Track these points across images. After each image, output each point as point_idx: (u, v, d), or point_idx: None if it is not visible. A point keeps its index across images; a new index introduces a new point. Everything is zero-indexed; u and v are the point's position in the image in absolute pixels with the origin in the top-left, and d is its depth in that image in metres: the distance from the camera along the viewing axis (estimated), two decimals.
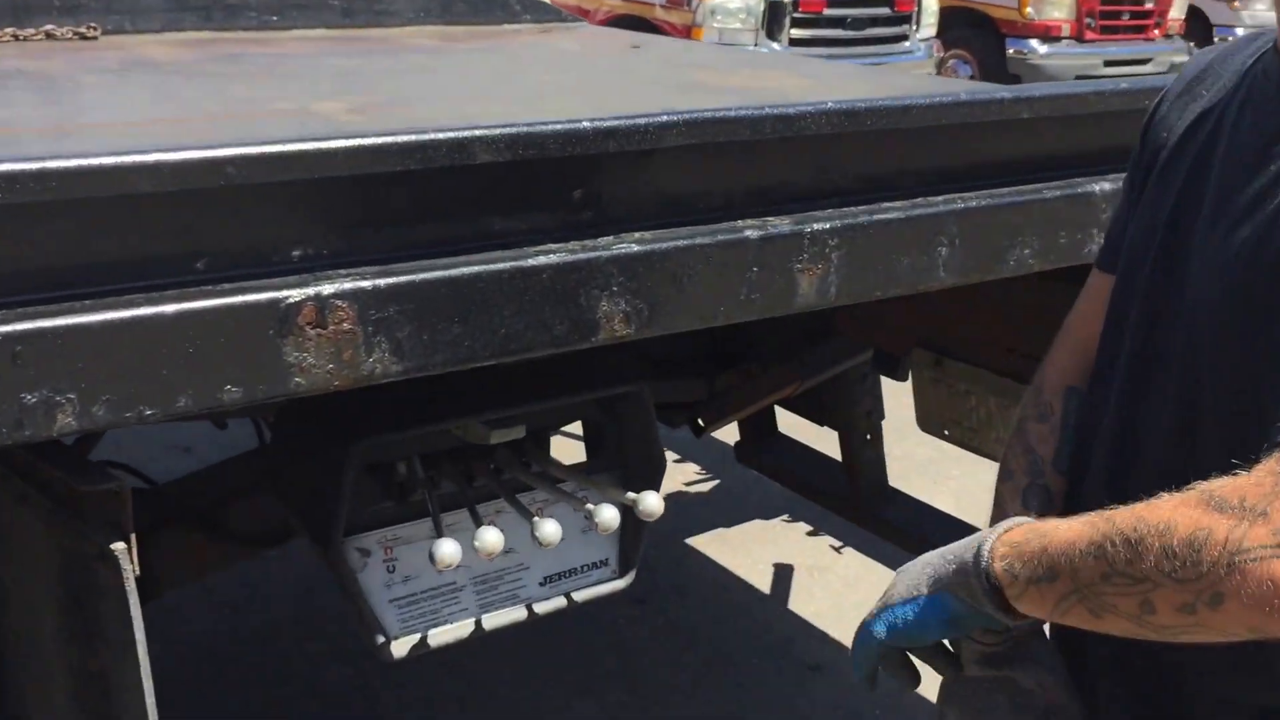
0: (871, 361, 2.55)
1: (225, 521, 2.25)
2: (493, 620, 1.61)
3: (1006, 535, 1.01)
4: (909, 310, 1.99)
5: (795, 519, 3.99)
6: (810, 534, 3.88)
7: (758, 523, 3.93)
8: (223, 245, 1.16)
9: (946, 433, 2.30)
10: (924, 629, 1.08)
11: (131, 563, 1.21)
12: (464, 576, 1.57)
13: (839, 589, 3.50)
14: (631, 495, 1.52)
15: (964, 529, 2.74)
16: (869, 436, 2.78)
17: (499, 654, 2.89)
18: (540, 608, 1.65)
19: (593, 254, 1.31)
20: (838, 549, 3.77)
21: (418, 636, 1.55)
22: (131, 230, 1.12)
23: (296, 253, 1.20)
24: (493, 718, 2.86)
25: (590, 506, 1.50)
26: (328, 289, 1.16)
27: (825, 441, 3.09)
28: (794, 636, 3.23)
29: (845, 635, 3.36)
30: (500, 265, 1.26)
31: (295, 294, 1.15)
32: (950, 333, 2.21)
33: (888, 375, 2.62)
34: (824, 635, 3.24)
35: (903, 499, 2.86)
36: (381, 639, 1.52)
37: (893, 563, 3.70)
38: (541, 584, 1.65)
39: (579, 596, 1.67)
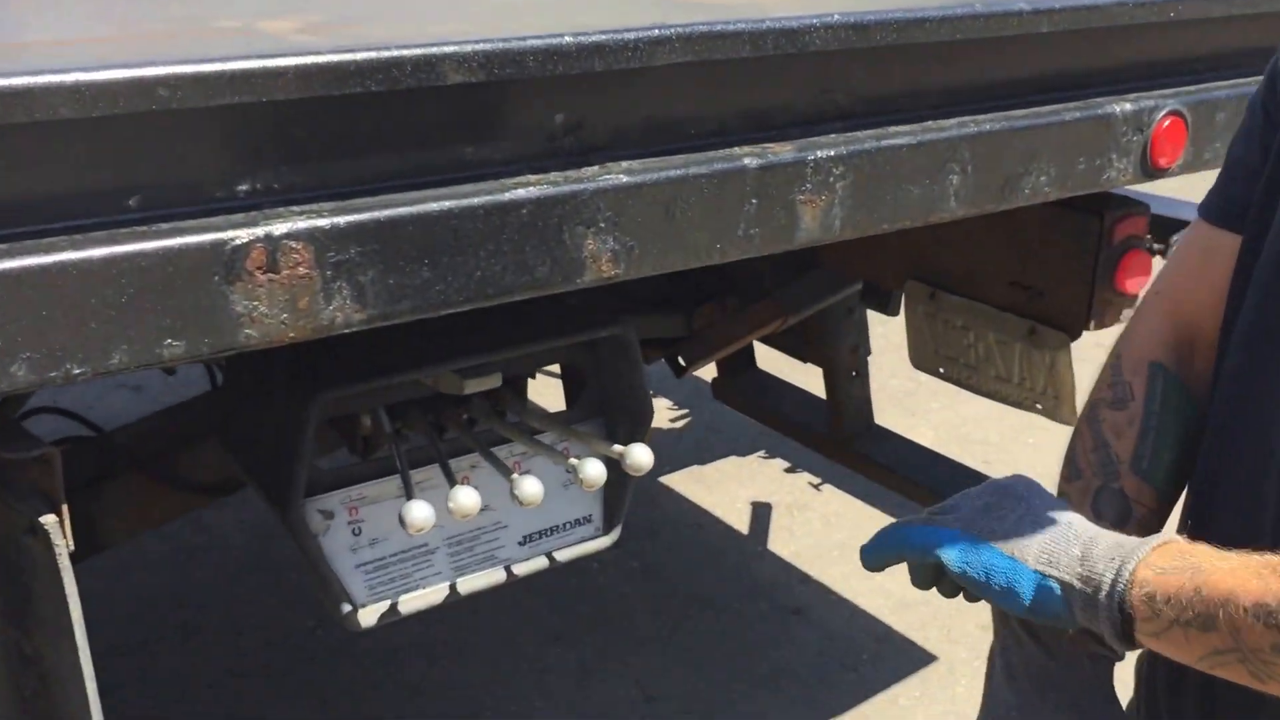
0: (860, 295, 2.45)
1: (177, 469, 2.15)
2: (468, 584, 1.51)
3: (1153, 557, 0.86)
4: (902, 240, 1.88)
5: (772, 455, 3.91)
6: (788, 470, 3.80)
7: (733, 459, 3.85)
8: (158, 180, 1.04)
9: (941, 370, 2.20)
10: (1005, 598, 0.90)
11: (65, 537, 1.09)
12: (437, 538, 1.46)
13: (819, 528, 3.43)
14: (618, 448, 1.41)
15: (954, 470, 2.67)
16: (855, 373, 2.69)
17: (468, 603, 2.79)
18: (519, 569, 1.54)
19: (577, 186, 1.20)
20: (816, 486, 3.69)
21: (387, 604, 1.44)
22: (52, 163, 0.99)
23: (243, 187, 1.08)
24: (463, 669, 2.77)
25: (573, 461, 1.39)
26: (279, 228, 1.04)
27: (802, 375, 3.00)
28: (775, 579, 3.16)
29: (828, 576, 3.31)
30: (474, 200, 1.15)
31: (242, 234, 1.03)
32: (947, 264, 2.11)
33: (878, 310, 2.52)
34: (805, 577, 3.17)
35: (889, 437, 2.77)
36: (348, 607, 1.41)
37: (874, 499, 3.66)
38: (520, 543, 1.55)
39: (561, 556, 1.57)
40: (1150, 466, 1.04)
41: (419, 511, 1.27)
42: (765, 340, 2.67)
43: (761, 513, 3.53)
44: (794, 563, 3.25)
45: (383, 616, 1.43)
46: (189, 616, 3.00)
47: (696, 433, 3.95)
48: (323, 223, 1.06)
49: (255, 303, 1.05)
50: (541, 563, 1.56)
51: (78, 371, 0.98)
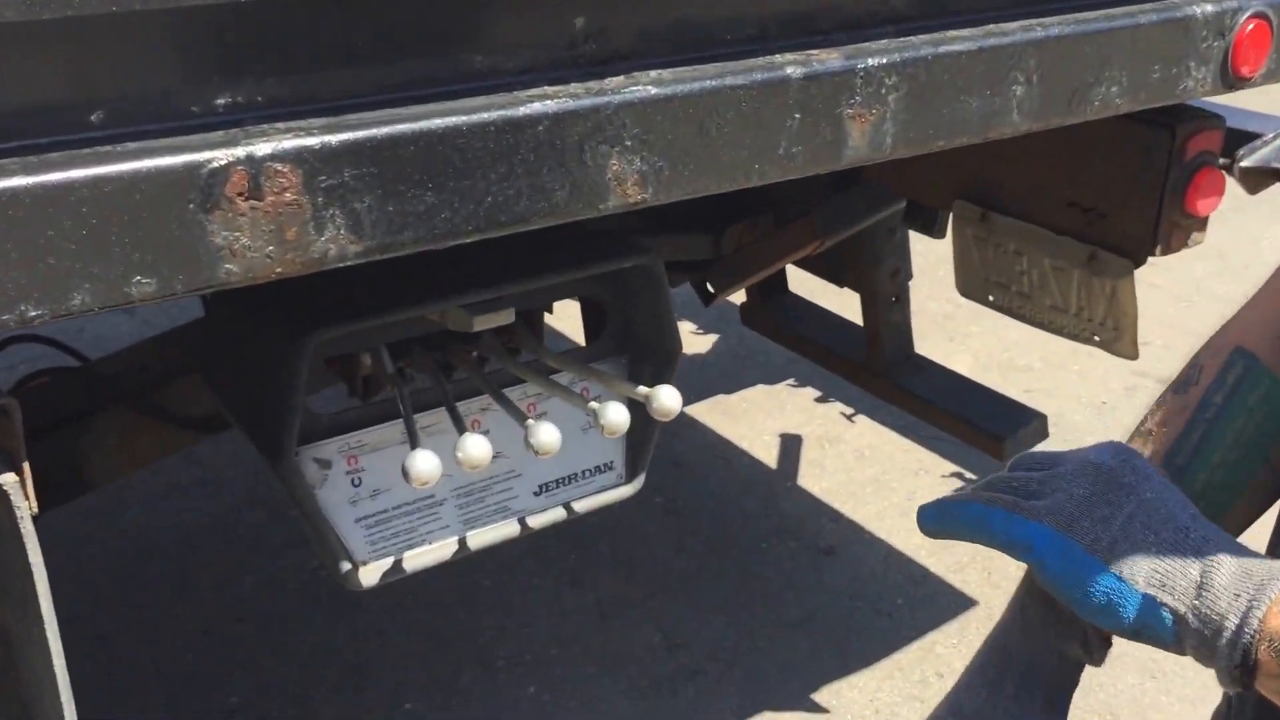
0: (904, 215, 2.35)
1: (167, 403, 2.09)
2: (479, 538, 1.44)
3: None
4: (950, 156, 1.78)
5: (802, 384, 3.83)
6: (819, 401, 3.73)
7: (761, 388, 3.78)
8: (123, 92, 0.95)
9: (991, 298, 2.11)
10: (1101, 614, 0.80)
11: (26, 498, 1.02)
12: (444, 489, 1.39)
13: (852, 462, 3.36)
14: (643, 390, 1.33)
15: (997, 403, 2.58)
16: (895, 299, 2.60)
17: None
18: (535, 521, 1.47)
19: (600, 99, 1.11)
20: (849, 417, 3.62)
21: (390, 560, 1.38)
22: None
23: (221, 101, 0.99)
24: (474, 614, 2.73)
25: (594, 404, 1.31)
26: (263, 148, 0.96)
27: (835, 300, 2.91)
28: (804, 516, 3.10)
29: (860, 514, 3.25)
30: (484, 115, 1.06)
31: (221, 155, 0.94)
32: (999, 183, 2.00)
33: (922, 231, 2.42)
34: (837, 514, 3.11)
35: (928, 367, 2.69)
36: (347, 565, 1.35)
37: (910, 432, 3.58)
38: (536, 493, 1.48)
39: (580, 507, 1.50)
40: (1190, 464, 0.94)
41: (424, 463, 1.19)
42: (799, 263, 2.58)
43: (791, 445, 3.46)
44: (825, 499, 3.18)
45: (385, 575, 1.37)
46: (182, 558, 2.96)
47: (722, 360, 3.86)
48: (312, 142, 0.98)
49: (236, 234, 0.97)
50: (559, 514, 1.49)
51: (34, 314, 0.91)
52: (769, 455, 3.41)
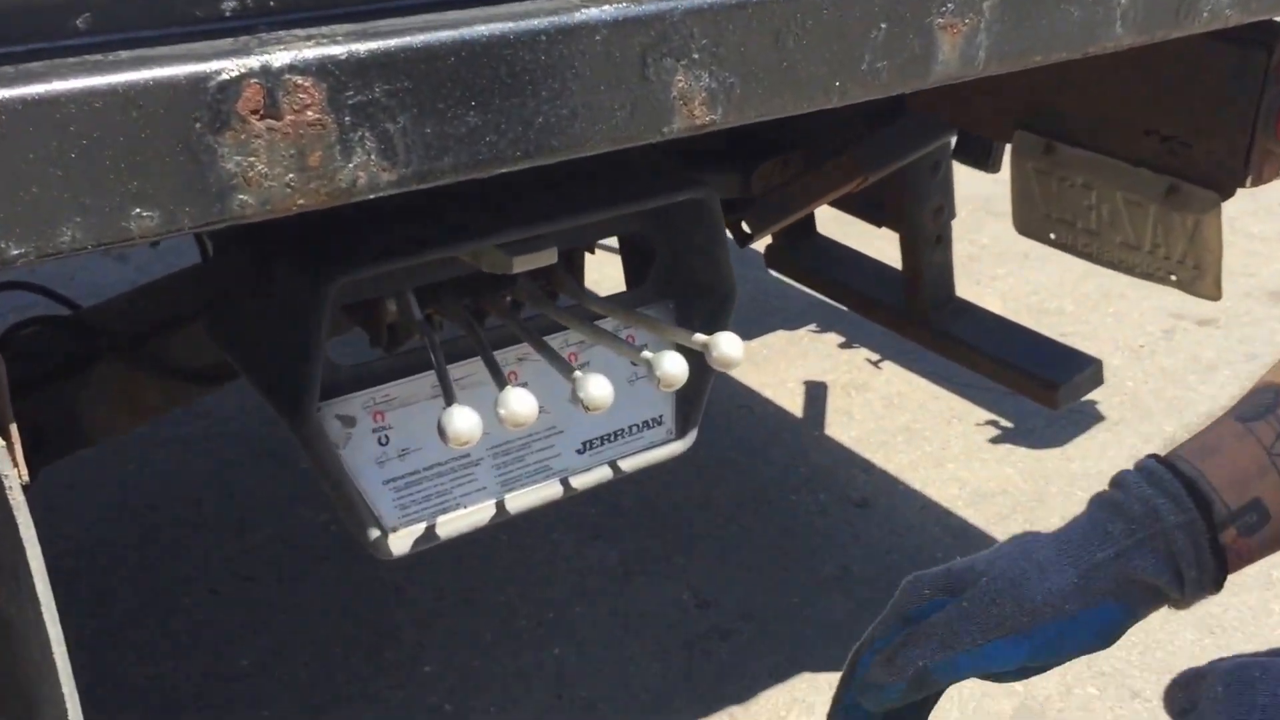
0: (955, 148, 2.19)
1: (170, 354, 1.96)
2: (518, 500, 1.31)
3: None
4: (1010, 81, 1.63)
5: (824, 329, 3.70)
6: (843, 346, 3.59)
7: (781, 334, 3.64)
8: None
9: (1053, 236, 1.96)
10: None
11: (15, 465, 0.89)
12: (481, 447, 1.26)
13: (881, 410, 3.23)
14: (700, 337, 1.19)
15: (1049, 350, 2.45)
16: (938, 239, 2.45)
17: None
18: (578, 481, 1.34)
19: (664, 6, 0.98)
20: (875, 363, 3.48)
21: (422, 526, 1.24)
22: None
23: (231, 3, 0.85)
24: (493, 571, 2.60)
25: (647, 354, 1.17)
26: (280, 58, 0.82)
27: (857, 238, 2.77)
28: (834, 467, 2.97)
29: (893, 464, 3.11)
30: (534, 23, 0.92)
31: (231, 66, 0.80)
32: (1067, 110, 1.85)
33: (974, 165, 2.27)
34: (868, 464, 2.98)
35: (970, 311, 2.55)
36: (375, 532, 1.21)
37: (940, 378, 3.44)
38: (579, 451, 1.34)
39: (627, 465, 1.37)
40: None
41: (463, 420, 1.06)
42: (833, 202, 2.43)
43: (816, 394, 3.33)
44: (855, 449, 3.05)
45: (417, 542, 1.24)
46: (188, 512, 2.83)
47: (740, 305, 3.72)
48: (338, 51, 0.84)
49: (251, 159, 0.83)
50: (604, 473, 1.35)
51: (16, 252, 0.77)
52: (794, 404, 3.28)
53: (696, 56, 0.99)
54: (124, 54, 0.79)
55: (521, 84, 0.92)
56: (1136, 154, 1.78)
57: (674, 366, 1.16)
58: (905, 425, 3.15)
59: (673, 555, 2.66)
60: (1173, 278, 1.80)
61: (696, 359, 1.23)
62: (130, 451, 3.00)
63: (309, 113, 0.84)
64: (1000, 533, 2.67)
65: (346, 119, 0.86)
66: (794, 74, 1.05)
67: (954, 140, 2.23)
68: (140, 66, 0.77)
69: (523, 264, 1.20)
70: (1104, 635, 0.82)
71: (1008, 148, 2.01)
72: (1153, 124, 1.75)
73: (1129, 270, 1.85)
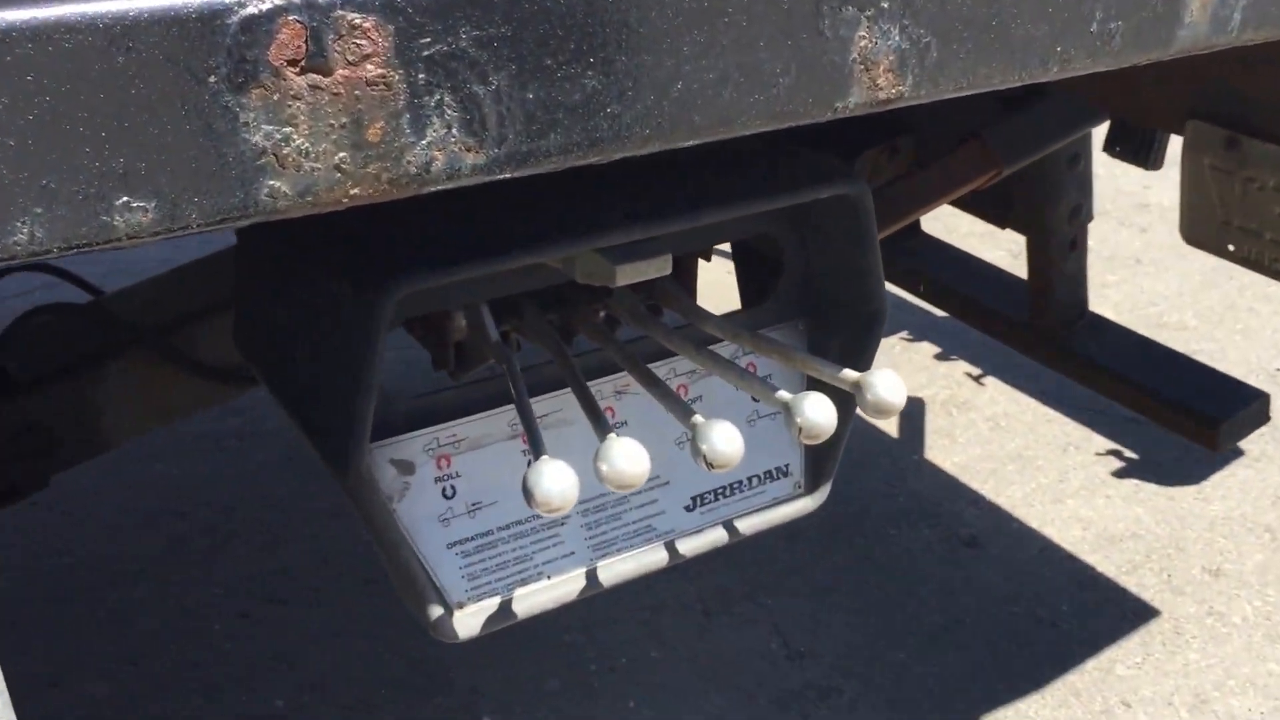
0: (1107, 139, 1.94)
1: (198, 349, 1.78)
2: (613, 571, 1.08)
3: None
4: (1182, 60, 1.38)
5: (916, 338, 3.45)
6: (939, 358, 3.34)
7: None
8: None
9: (1232, 248, 1.70)
10: None
11: None
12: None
13: (987, 433, 2.97)
14: (852, 375, 0.96)
15: (1208, 377, 2.18)
16: (1072, 244, 2.20)
17: None
18: (687, 545, 1.11)
19: None
20: (977, 378, 3.23)
21: (495, 602, 1.02)
22: None
23: None
24: (558, 609, 2.38)
25: (785, 396, 0.93)
26: None
27: (964, 240, 2.52)
28: (937, 498, 2.72)
29: (1005, 497, 2.84)
30: None
31: (258, 0, 0.58)
32: (1255, 96, 1.59)
33: (1132, 161, 2.01)
34: (976, 497, 2.73)
35: (1109, 328, 2.29)
36: (437, 609, 0.99)
37: (1053, 398, 3.17)
38: (688, 508, 1.11)
39: (745, 526, 1.13)
40: None
41: (556, 480, 0.83)
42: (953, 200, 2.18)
43: (913, 412, 3.08)
44: (960, 478, 2.80)
45: (489, 620, 1.01)
46: (218, 521, 2.63)
47: None
48: None
49: (287, 130, 0.61)
50: (718, 536, 1.12)
51: None
52: (888, 423, 3.03)
53: (886, 5, 0.76)
54: None
55: (656, 39, 0.70)
56: None
57: (819, 414, 0.92)
58: (1016, 452, 2.89)
59: (757, 594, 2.42)
60: None
61: (836, 397, 1.00)
62: (158, 450, 2.81)
63: (369, 66, 0.62)
64: (1133, 583, 2.41)
65: (420, 77, 0.64)
66: (1006, 35, 0.81)
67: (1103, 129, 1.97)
68: None
69: (629, 274, 0.97)
70: None
71: (1175, 140, 1.76)
72: None
73: None
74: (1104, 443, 2.90)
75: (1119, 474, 2.78)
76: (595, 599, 2.34)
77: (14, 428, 1.71)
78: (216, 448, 2.92)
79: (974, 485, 2.76)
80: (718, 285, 2.78)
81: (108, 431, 1.79)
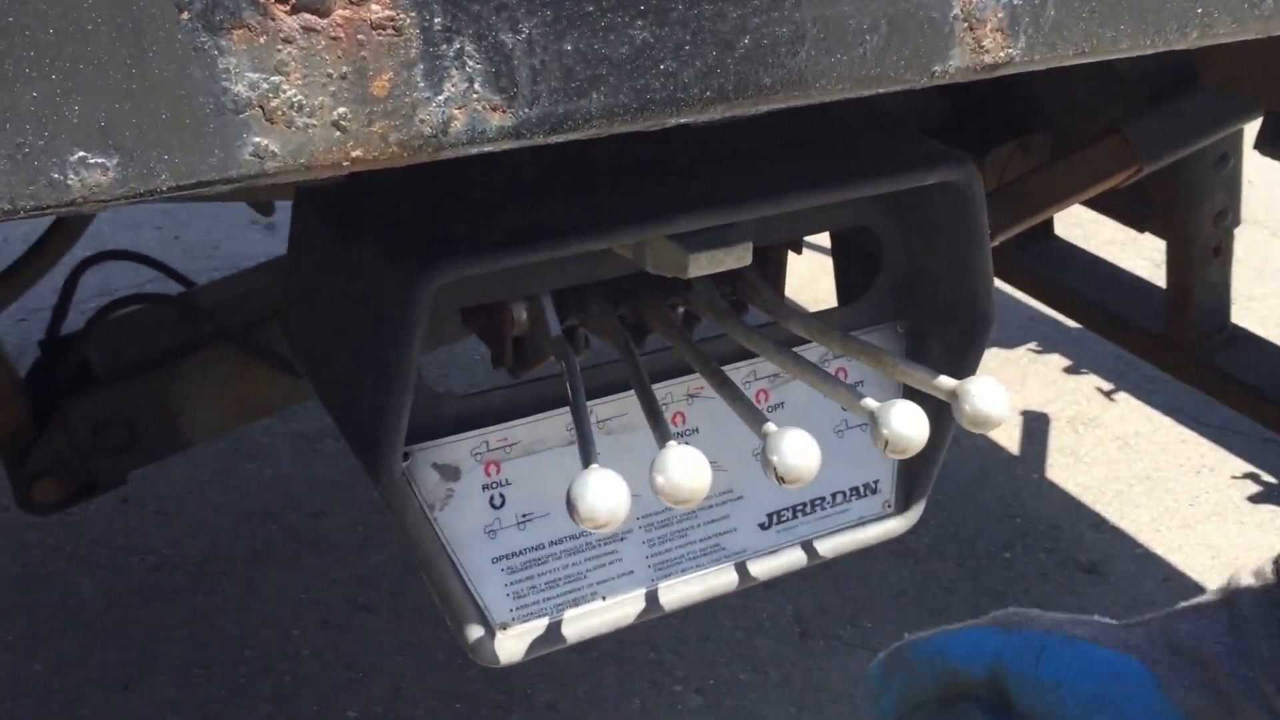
0: (1260, 135, 1.79)
1: (281, 345, 1.75)
2: (676, 591, 0.99)
3: None
4: None
5: (1045, 349, 3.30)
6: (1068, 371, 3.19)
7: (995, 354, 3.26)
8: None
9: None
10: None
11: None
12: (630, 516, 0.94)
13: (1114, 452, 2.82)
14: (949, 382, 0.86)
15: None
16: (1216, 251, 2.05)
17: None
18: (760, 567, 1.02)
19: None
20: (1108, 394, 3.08)
21: (543, 624, 0.94)
22: None
23: None
24: (643, 626, 2.29)
25: (871, 404, 0.84)
26: None
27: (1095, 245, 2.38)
28: (1058, 521, 2.58)
29: (1130, 521, 2.70)
30: None
31: None
32: None
33: None
34: (1099, 520, 2.58)
35: (1253, 343, 2.14)
36: (478, 630, 0.91)
37: (1189, 417, 2.99)
38: (763, 525, 1.02)
39: (827, 548, 1.04)
40: None
41: (602, 492, 0.74)
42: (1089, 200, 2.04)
43: (1036, 428, 2.94)
44: (1083, 499, 2.66)
45: (535, 644, 0.93)
46: (307, 525, 2.60)
47: None
48: None
49: (276, 79, 0.54)
50: (796, 558, 1.02)
51: None
52: (1008, 438, 2.90)
53: None
54: None
55: None
56: None
57: (909, 425, 0.82)
58: (1144, 474, 2.73)
59: (858, 616, 2.31)
60: None
61: (933, 407, 0.90)
62: (245, 448, 2.80)
63: (374, 5, 0.54)
64: None
65: (436, 20, 0.56)
66: None
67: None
68: None
69: (704, 264, 0.88)
70: None
71: None
72: None
73: None
74: (1240, 465, 2.74)
75: (1255, 499, 2.61)
76: (689, 613, 2.27)
77: (93, 422, 1.69)
78: (310, 447, 2.90)
79: (1097, 508, 2.61)
80: (811, 282, 2.66)
81: (188, 429, 1.77)
